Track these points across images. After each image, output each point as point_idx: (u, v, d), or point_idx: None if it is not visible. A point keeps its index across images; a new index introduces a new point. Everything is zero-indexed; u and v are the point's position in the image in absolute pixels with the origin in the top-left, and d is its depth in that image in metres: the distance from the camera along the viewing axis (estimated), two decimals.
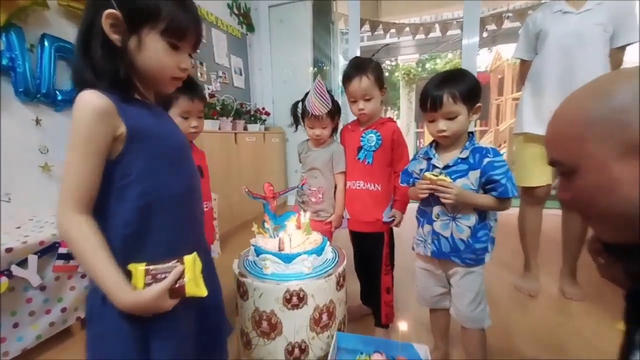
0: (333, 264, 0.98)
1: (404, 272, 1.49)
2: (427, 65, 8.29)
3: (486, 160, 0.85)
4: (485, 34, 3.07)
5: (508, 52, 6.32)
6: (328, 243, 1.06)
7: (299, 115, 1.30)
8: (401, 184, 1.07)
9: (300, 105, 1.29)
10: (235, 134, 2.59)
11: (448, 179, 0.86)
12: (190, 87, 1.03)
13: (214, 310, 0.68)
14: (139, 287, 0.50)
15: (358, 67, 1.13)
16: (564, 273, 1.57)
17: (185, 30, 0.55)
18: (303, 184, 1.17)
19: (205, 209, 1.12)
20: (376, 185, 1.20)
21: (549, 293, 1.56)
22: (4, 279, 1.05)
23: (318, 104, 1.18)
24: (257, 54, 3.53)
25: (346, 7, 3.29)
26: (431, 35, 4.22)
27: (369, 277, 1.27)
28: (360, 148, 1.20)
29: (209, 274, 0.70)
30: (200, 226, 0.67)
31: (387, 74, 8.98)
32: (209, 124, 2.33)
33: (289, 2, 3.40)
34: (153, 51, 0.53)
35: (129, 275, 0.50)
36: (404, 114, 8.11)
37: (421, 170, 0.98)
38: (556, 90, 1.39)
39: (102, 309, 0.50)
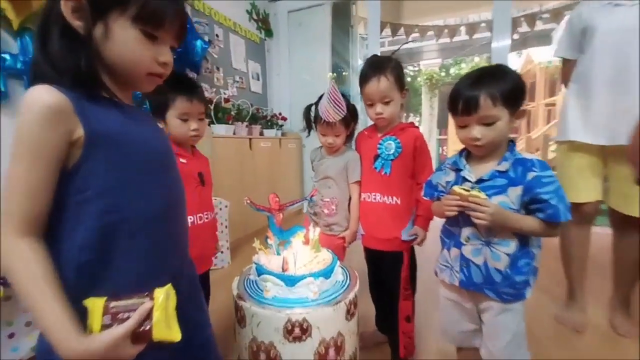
0: (343, 289, 0.86)
1: (428, 296, 1.31)
2: (452, 70, 8.01)
3: (531, 174, 0.70)
4: (515, 36, 2.85)
5: (540, 55, 5.96)
6: (338, 263, 0.94)
7: (312, 119, 1.19)
8: (424, 198, 0.93)
9: (313, 109, 1.19)
10: (250, 139, 2.54)
11: (482, 194, 0.71)
12: (188, 87, 0.96)
13: (199, 349, 0.58)
14: (94, 330, 0.39)
15: (376, 66, 1.02)
16: (614, 304, 1.35)
17: (163, 17, 0.46)
18: (312, 195, 1.06)
19: (206, 220, 1.03)
20: (395, 198, 1.07)
21: (597, 327, 1.34)
22: (0, 288, 1.01)
23: (331, 111, 1.07)
24: (275, 59, 3.49)
25: (366, 10, 3.19)
26: (456, 38, 4.02)
27: (386, 301, 1.13)
28: (377, 156, 1.08)
29: (195, 305, 0.60)
30: (183, 247, 0.57)
31: (408, 79, 8.77)
32: (222, 129, 2.29)
33: (308, 7, 3.35)
34: (123, 41, 0.44)
35: (85, 313, 0.41)
36: (426, 120, 7.86)
37: (448, 182, 0.84)
38: (607, 94, 1.21)
39: (52, 357, 0.40)
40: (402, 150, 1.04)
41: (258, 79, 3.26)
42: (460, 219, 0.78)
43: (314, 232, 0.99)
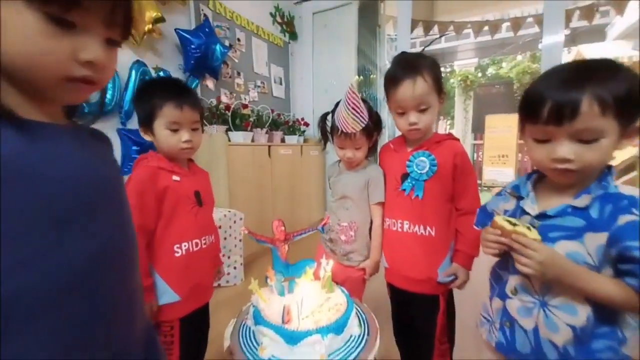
0: (359, 347, 0.68)
1: (471, 351, 1.09)
2: (489, 70, 7.47)
3: (624, 218, 0.48)
4: (566, 32, 2.50)
5: (593, 53, 5.35)
6: (355, 309, 0.76)
7: (328, 130, 1.02)
8: (475, 227, 0.72)
9: (329, 118, 1.02)
10: (269, 146, 2.42)
11: (533, 233, 0.53)
12: (178, 92, 0.83)
13: None
14: None
15: (409, 65, 0.81)
16: None
17: None
18: (325, 224, 0.88)
19: (204, 246, 0.88)
20: (428, 228, 0.87)
21: None
22: None
23: (350, 120, 0.90)
24: (299, 62, 3.37)
25: (395, 9, 2.98)
26: (497, 35, 3.66)
27: (415, 354, 0.93)
28: (405, 176, 0.88)
29: None
30: (129, 320, 0.41)
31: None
32: (240, 136, 2.18)
33: (334, 8, 3.19)
34: (18, 31, 0.30)
35: None
36: (459, 124, 7.38)
37: (506, 212, 0.65)
38: None
39: None
40: (438, 168, 0.84)
41: (281, 84, 3.15)
42: (510, 262, 0.59)
43: (327, 267, 0.82)
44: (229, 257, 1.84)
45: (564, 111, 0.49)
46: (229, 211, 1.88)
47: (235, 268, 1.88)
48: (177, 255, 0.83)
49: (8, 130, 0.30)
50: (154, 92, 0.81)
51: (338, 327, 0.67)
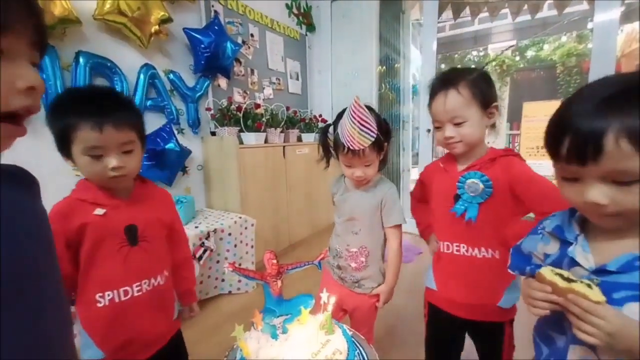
0: None
1: None
2: (529, 53, 6.80)
3: None
4: (622, 8, 2.13)
5: None
6: (356, 356, 0.65)
7: (331, 145, 0.91)
8: (510, 271, 0.62)
9: (331, 130, 0.90)
10: (284, 146, 2.33)
11: (597, 293, 0.41)
12: (97, 108, 0.64)
13: None
14: None
15: (446, 78, 0.78)
16: None
17: (6, 12, 0.28)
18: (322, 259, 0.77)
19: (137, 294, 0.72)
20: (490, 251, 0.79)
21: None
22: None
23: (357, 135, 0.80)
24: (317, 55, 3.22)
25: None
26: (538, 15, 3.26)
27: None
28: (457, 197, 0.81)
29: None
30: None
31: (472, 65, 7.76)
32: (252, 138, 2.11)
33: None
34: None
35: None
36: None
37: (547, 256, 0.52)
38: None
39: None
40: (494, 190, 0.76)
41: (297, 79, 3.03)
42: (566, 323, 0.47)
43: (328, 305, 0.71)
44: (240, 265, 1.79)
45: (586, 149, 0.40)
46: (240, 217, 1.83)
47: None
48: (99, 305, 0.68)
49: None
50: (68, 108, 0.65)
51: None
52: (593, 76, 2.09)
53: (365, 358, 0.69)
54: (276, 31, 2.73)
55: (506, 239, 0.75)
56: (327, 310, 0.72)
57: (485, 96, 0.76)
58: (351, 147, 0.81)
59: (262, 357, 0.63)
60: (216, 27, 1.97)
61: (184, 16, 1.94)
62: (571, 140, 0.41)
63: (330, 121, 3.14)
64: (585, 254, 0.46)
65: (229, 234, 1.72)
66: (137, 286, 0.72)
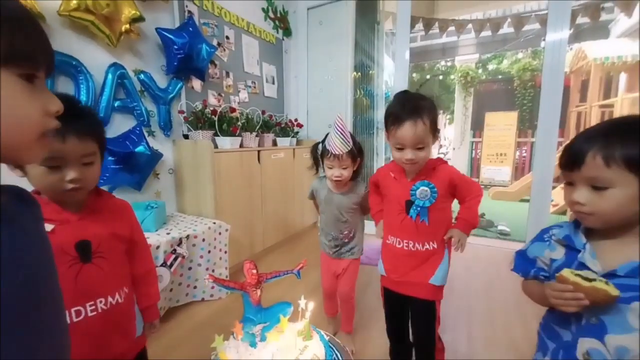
0: None
1: None
2: (490, 66, 7.30)
3: None
4: (571, 29, 2.39)
5: (596, 50, 5.22)
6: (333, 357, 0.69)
7: (319, 156, 1.24)
8: (515, 272, 0.72)
9: (320, 146, 1.24)
10: (259, 151, 2.32)
11: (614, 289, 0.50)
12: (61, 115, 0.63)
13: None
14: None
15: (411, 108, 0.88)
16: None
17: (36, 47, 0.33)
18: (301, 268, 0.80)
19: (91, 314, 0.67)
20: (432, 243, 0.98)
21: None
22: None
23: (339, 143, 1.12)
24: (293, 60, 3.24)
25: (394, 5, 2.84)
26: (499, 31, 3.53)
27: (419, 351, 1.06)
28: (409, 202, 0.97)
29: None
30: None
31: (441, 76, 8.17)
32: (227, 142, 2.08)
33: (330, 3, 3.05)
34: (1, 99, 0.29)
35: None
36: (459, 121, 7.25)
37: (553, 261, 0.63)
38: None
39: None
40: (438, 194, 0.94)
41: (273, 83, 3.03)
42: (572, 319, 0.57)
43: (306, 312, 0.74)
44: (213, 271, 1.77)
45: (575, 159, 0.56)
46: (214, 222, 1.80)
47: None
48: None
49: None
50: None
51: None
52: (544, 90, 2.32)
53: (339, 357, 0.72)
54: (252, 34, 2.72)
55: (447, 229, 0.97)
56: (305, 317, 0.74)
57: (436, 123, 0.91)
58: (334, 152, 1.12)
59: None
60: (190, 29, 1.93)
61: (156, 16, 1.88)
62: (569, 154, 0.58)
63: (306, 126, 3.20)
64: (592, 260, 0.56)
65: (203, 240, 1.69)
66: (90, 306, 0.66)
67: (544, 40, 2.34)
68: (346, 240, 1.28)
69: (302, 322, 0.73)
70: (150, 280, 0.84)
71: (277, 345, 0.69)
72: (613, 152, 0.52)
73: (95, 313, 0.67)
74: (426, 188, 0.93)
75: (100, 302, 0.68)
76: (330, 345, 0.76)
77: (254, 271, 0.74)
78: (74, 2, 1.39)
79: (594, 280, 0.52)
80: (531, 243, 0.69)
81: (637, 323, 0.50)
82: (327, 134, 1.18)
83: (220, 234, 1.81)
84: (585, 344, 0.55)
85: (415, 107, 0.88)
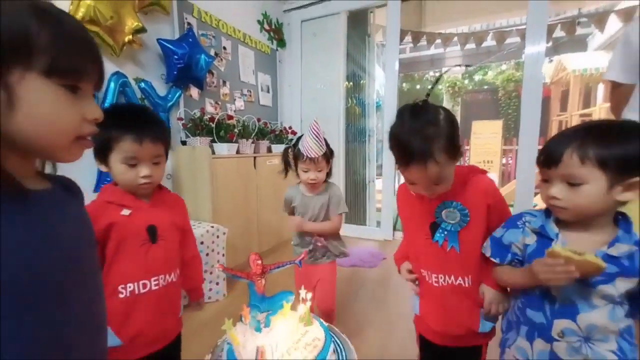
0: None
1: None
2: (476, 77, 7.60)
3: None
4: (549, 43, 2.57)
5: (574, 62, 5.51)
6: (332, 347, 0.75)
7: (290, 160, 1.26)
8: (491, 258, 0.73)
9: (291, 151, 1.26)
10: (255, 157, 2.39)
11: (602, 262, 0.56)
12: (139, 123, 0.76)
13: None
14: None
15: (418, 145, 0.67)
16: None
17: (83, 60, 0.38)
18: (302, 259, 0.87)
19: (154, 288, 0.80)
20: (466, 278, 0.79)
21: None
22: None
23: (314, 146, 1.14)
24: (287, 70, 3.35)
25: (384, 18, 2.99)
26: (483, 44, 3.72)
27: None
28: (434, 225, 0.79)
29: None
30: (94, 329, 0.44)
31: (429, 86, 8.42)
32: (224, 148, 2.15)
33: (322, 16, 3.19)
34: (40, 105, 0.34)
35: None
36: None
37: (526, 246, 0.69)
38: None
39: None
40: (471, 216, 0.76)
41: (268, 92, 3.12)
42: (546, 304, 0.64)
43: (307, 300, 0.80)
44: (211, 273, 1.80)
45: (553, 157, 0.62)
46: (212, 226, 1.85)
47: (217, 284, 1.84)
48: (120, 296, 0.76)
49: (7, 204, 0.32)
50: (112, 122, 0.72)
51: None
52: (524, 99, 2.46)
53: (340, 344, 0.78)
54: (248, 45, 2.82)
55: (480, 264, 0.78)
56: (306, 304, 0.81)
57: (454, 144, 0.70)
58: (309, 155, 1.13)
59: (248, 347, 0.70)
60: (190, 40, 2.01)
61: (157, 27, 1.96)
62: (547, 152, 0.64)
63: (299, 133, 3.28)
64: (563, 247, 0.62)
65: (201, 243, 1.74)
66: (154, 280, 0.79)
67: (524, 53, 2.50)
68: (319, 244, 1.25)
69: (303, 308, 0.80)
70: (196, 263, 0.96)
71: (281, 329, 0.75)
72: (588, 151, 0.57)
73: (157, 287, 0.80)
74: (453, 210, 0.76)
75: (162, 278, 0.81)
76: (330, 331, 0.82)
77: (259, 262, 0.80)
78: (80, 14, 1.46)
79: (584, 254, 0.56)
80: (506, 230, 0.72)
81: (602, 302, 0.60)
82: (299, 138, 1.21)
83: (218, 237, 1.85)
84: (560, 324, 0.62)
85: (423, 141, 0.66)
